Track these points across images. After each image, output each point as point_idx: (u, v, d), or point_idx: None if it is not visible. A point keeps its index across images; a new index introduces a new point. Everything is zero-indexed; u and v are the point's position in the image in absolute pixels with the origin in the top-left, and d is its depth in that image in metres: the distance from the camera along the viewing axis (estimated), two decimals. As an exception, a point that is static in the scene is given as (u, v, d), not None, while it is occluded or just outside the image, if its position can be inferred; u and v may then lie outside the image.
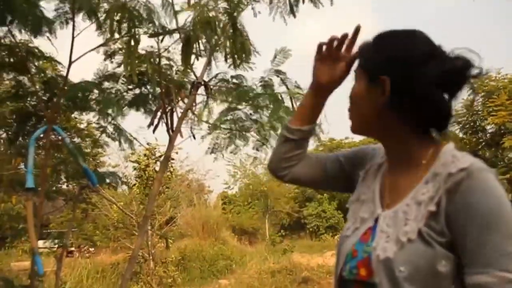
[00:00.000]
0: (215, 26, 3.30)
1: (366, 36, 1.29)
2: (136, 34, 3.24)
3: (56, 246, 8.71)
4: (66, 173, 5.10)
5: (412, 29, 1.21)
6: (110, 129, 4.47)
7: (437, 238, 1.06)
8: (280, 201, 27.58)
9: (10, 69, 3.83)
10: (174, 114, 4.10)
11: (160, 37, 3.61)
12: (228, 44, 3.52)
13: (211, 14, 3.31)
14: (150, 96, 4.12)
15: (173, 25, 3.71)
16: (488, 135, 20.04)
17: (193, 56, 3.61)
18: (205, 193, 26.27)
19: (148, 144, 10.49)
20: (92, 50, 3.53)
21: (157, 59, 3.75)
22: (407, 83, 1.14)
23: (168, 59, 4.02)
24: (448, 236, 1.06)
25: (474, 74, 1.15)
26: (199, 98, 4.21)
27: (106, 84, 3.97)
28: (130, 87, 4.05)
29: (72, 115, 5.65)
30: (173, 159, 12.12)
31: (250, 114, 4.32)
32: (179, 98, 4.09)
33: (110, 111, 3.82)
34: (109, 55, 3.73)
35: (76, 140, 6.01)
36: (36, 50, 3.68)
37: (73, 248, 17.49)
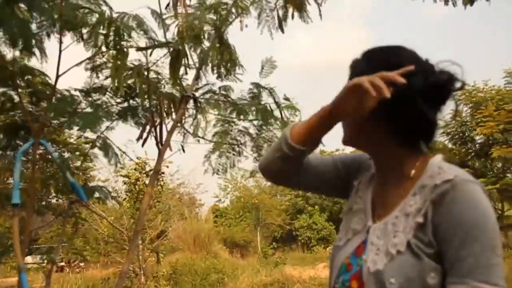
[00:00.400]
0: (201, 37, 3.31)
1: (359, 45, 1.30)
2: (123, 48, 3.24)
3: (46, 261, 8.60)
4: (55, 187, 5.05)
5: (399, 45, 1.24)
6: (98, 144, 4.44)
7: (425, 249, 1.07)
8: (272, 214, 27.53)
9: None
10: (163, 127, 4.09)
11: (149, 51, 3.61)
12: (215, 55, 3.53)
13: (197, 23, 3.31)
14: (139, 109, 4.11)
15: (161, 38, 3.72)
16: (477, 145, 20.25)
17: (182, 70, 3.62)
18: (196, 206, 26.19)
19: (138, 158, 10.46)
20: (78, 64, 3.52)
21: (145, 73, 3.74)
22: (392, 96, 1.13)
23: (157, 72, 4.01)
24: (435, 247, 1.06)
25: (457, 88, 1.18)
26: (188, 111, 4.22)
27: (94, 97, 3.95)
28: (119, 100, 4.03)
29: (62, 129, 5.62)
30: (163, 173, 12.09)
31: (244, 128, 4.34)
32: (169, 111, 4.08)
33: (91, 128, 3.77)
34: (94, 68, 3.72)
35: (66, 154, 5.97)
36: (24, 65, 3.66)
37: (63, 263, 17.30)
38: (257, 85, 4.15)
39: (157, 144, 4.05)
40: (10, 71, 3.60)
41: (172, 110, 4.05)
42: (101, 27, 3.07)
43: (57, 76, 3.41)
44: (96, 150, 4.76)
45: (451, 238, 1.03)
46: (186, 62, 3.46)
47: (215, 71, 3.72)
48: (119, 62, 3.19)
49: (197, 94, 4.08)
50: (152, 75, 3.92)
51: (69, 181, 3.54)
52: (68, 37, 3.45)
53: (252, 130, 4.35)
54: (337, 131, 1.32)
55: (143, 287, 11.59)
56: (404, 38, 1.25)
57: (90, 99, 3.90)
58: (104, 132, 4.27)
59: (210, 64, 3.66)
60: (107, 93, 3.91)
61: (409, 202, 1.14)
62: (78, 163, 5.57)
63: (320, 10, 4.18)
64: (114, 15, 3.28)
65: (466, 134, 20.05)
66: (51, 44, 3.48)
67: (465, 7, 3.89)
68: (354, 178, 1.39)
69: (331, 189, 1.50)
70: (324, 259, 17.95)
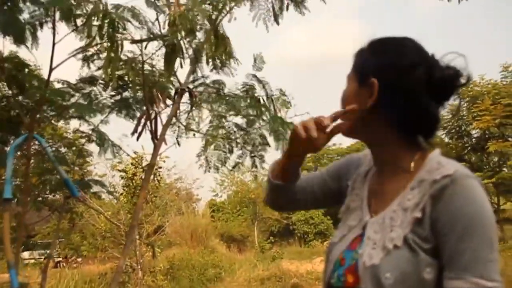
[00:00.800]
0: (194, 29, 3.28)
1: (353, 39, 1.29)
2: (117, 40, 3.21)
3: (43, 257, 8.61)
4: (51, 183, 5.02)
5: (404, 37, 1.22)
6: (94, 137, 4.41)
7: (422, 244, 1.05)
8: (269, 208, 27.46)
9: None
10: (159, 121, 4.06)
11: (144, 44, 3.58)
12: (209, 47, 3.51)
13: (190, 14, 3.29)
14: (132, 101, 4.08)
15: (158, 31, 3.68)
16: (473, 139, 20.33)
17: (177, 63, 3.59)
18: (193, 201, 26.22)
19: (135, 152, 10.42)
20: (72, 56, 3.48)
21: (140, 65, 3.71)
22: (395, 88, 1.14)
23: (151, 65, 3.98)
24: (432, 242, 1.05)
25: (462, 83, 1.16)
26: (183, 105, 4.19)
27: (88, 88, 3.92)
28: (113, 93, 4.00)
29: (58, 124, 5.59)
30: (160, 167, 12.06)
31: (236, 124, 4.33)
32: (162, 104, 4.06)
33: (87, 116, 3.76)
34: (87, 59, 3.68)
35: (63, 149, 5.93)
36: (16, 58, 3.63)
37: (60, 259, 17.31)
38: (253, 75, 4.13)
39: (152, 138, 4.04)
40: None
41: (167, 103, 4.03)
42: (96, 19, 3.04)
43: (51, 69, 3.37)
44: (92, 147, 4.73)
45: (449, 233, 1.03)
46: (181, 55, 3.43)
47: (210, 63, 3.70)
48: (112, 54, 3.15)
49: (191, 87, 4.05)
50: (147, 67, 3.89)
51: (62, 177, 3.51)
52: (62, 30, 3.42)
53: (244, 124, 4.34)
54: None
55: (140, 282, 11.59)
56: (399, 32, 1.23)
57: (83, 91, 3.87)
58: (99, 126, 4.25)
59: (204, 57, 3.63)
60: (99, 85, 3.88)
61: (407, 196, 1.12)
62: (74, 158, 5.54)
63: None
64: (109, 7, 3.26)
65: (463, 128, 20.13)
66: (44, 36, 3.45)
67: (459, 1, 3.86)
68: (347, 180, 1.39)
69: (328, 201, 1.52)
70: (321, 254, 17.98)
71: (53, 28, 3.26)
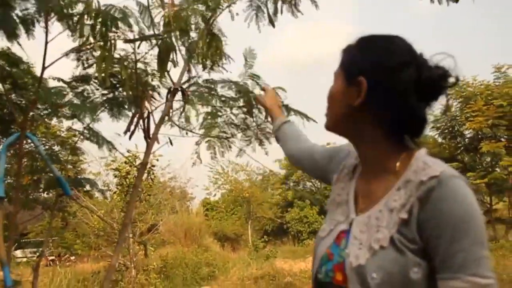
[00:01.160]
0: (188, 28, 3.28)
1: (347, 40, 1.28)
2: (110, 39, 3.20)
3: (35, 255, 8.56)
4: (43, 181, 5.00)
5: (394, 35, 1.21)
6: (87, 135, 4.40)
7: (408, 245, 1.06)
8: (263, 207, 27.56)
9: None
10: (151, 120, 4.06)
11: (137, 43, 3.57)
12: (201, 47, 3.51)
13: (184, 14, 3.29)
14: (125, 100, 4.07)
15: (151, 31, 3.68)
16: (466, 140, 20.43)
17: (170, 63, 3.58)
18: (187, 200, 26.18)
19: (128, 151, 10.39)
20: (64, 55, 3.47)
21: (133, 65, 3.71)
22: (382, 87, 1.14)
23: (144, 63, 3.98)
24: (419, 243, 1.06)
25: (451, 84, 1.16)
26: (176, 103, 4.19)
27: (79, 87, 3.90)
28: (105, 92, 3.99)
29: (52, 122, 5.56)
30: (154, 166, 12.03)
31: (231, 119, 4.33)
32: (155, 104, 4.06)
33: (82, 116, 3.75)
34: (79, 58, 3.67)
35: (56, 148, 5.91)
36: (9, 54, 3.61)
37: (53, 257, 17.24)
38: (248, 73, 4.14)
39: (145, 137, 4.03)
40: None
41: (159, 102, 4.04)
42: (88, 18, 3.03)
43: (43, 68, 3.36)
44: (86, 145, 4.72)
45: (440, 235, 1.03)
46: (175, 55, 3.43)
47: (200, 62, 3.70)
48: (106, 54, 3.15)
49: (184, 86, 4.05)
50: (140, 66, 3.89)
51: (55, 175, 3.50)
52: (54, 28, 3.41)
53: (237, 121, 4.34)
54: (320, 127, 1.35)
55: (133, 280, 11.56)
56: (392, 33, 1.22)
57: (76, 90, 3.86)
58: (91, 124, 4.24)
59: (197, 56, 3.63)
60: (92, 83, 3.87)
61: (393, 196, 1.13)
62: (67, 157, 5.52)
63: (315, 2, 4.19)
64: (102, 7, 3.25)
65: (456, 129, 20.21)
66: (36, 35, 3.43)
67: (448, 3, 3.86)
68: (332, 169, 1.43)
69: (320, 176, 1.59)
70: (314, 253, 17.95)
71: (46, 27, 3.25)
